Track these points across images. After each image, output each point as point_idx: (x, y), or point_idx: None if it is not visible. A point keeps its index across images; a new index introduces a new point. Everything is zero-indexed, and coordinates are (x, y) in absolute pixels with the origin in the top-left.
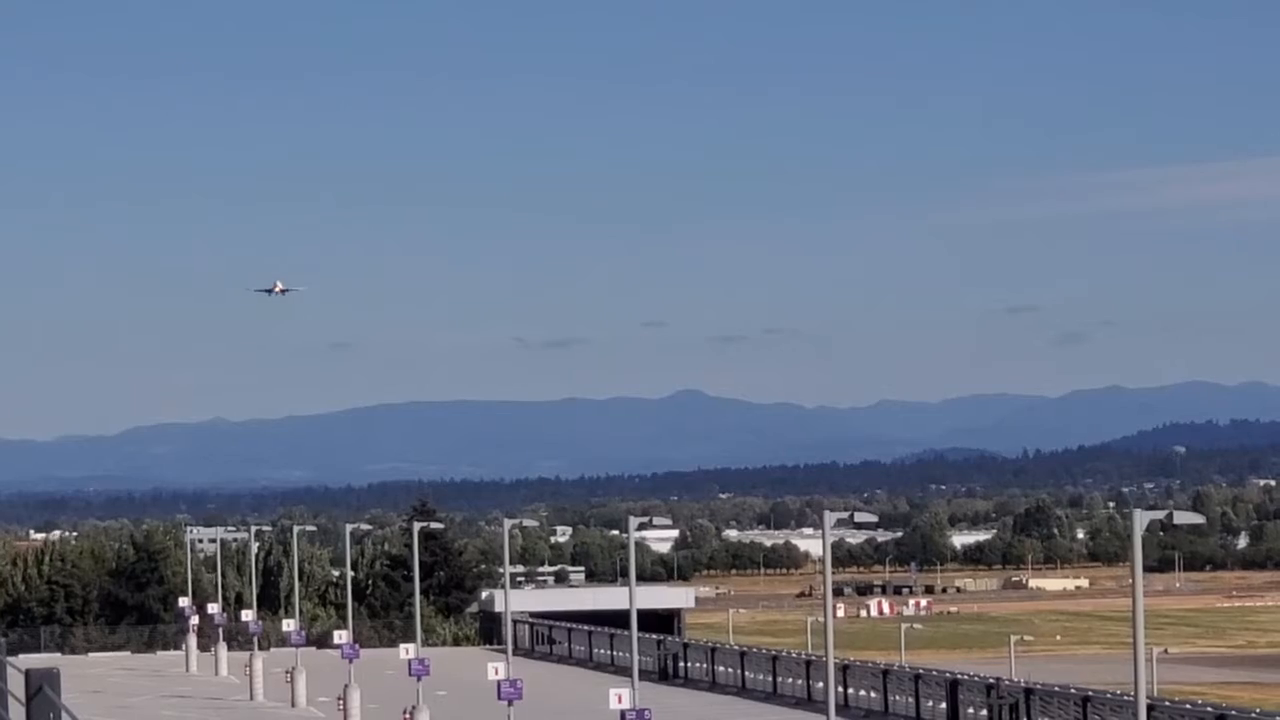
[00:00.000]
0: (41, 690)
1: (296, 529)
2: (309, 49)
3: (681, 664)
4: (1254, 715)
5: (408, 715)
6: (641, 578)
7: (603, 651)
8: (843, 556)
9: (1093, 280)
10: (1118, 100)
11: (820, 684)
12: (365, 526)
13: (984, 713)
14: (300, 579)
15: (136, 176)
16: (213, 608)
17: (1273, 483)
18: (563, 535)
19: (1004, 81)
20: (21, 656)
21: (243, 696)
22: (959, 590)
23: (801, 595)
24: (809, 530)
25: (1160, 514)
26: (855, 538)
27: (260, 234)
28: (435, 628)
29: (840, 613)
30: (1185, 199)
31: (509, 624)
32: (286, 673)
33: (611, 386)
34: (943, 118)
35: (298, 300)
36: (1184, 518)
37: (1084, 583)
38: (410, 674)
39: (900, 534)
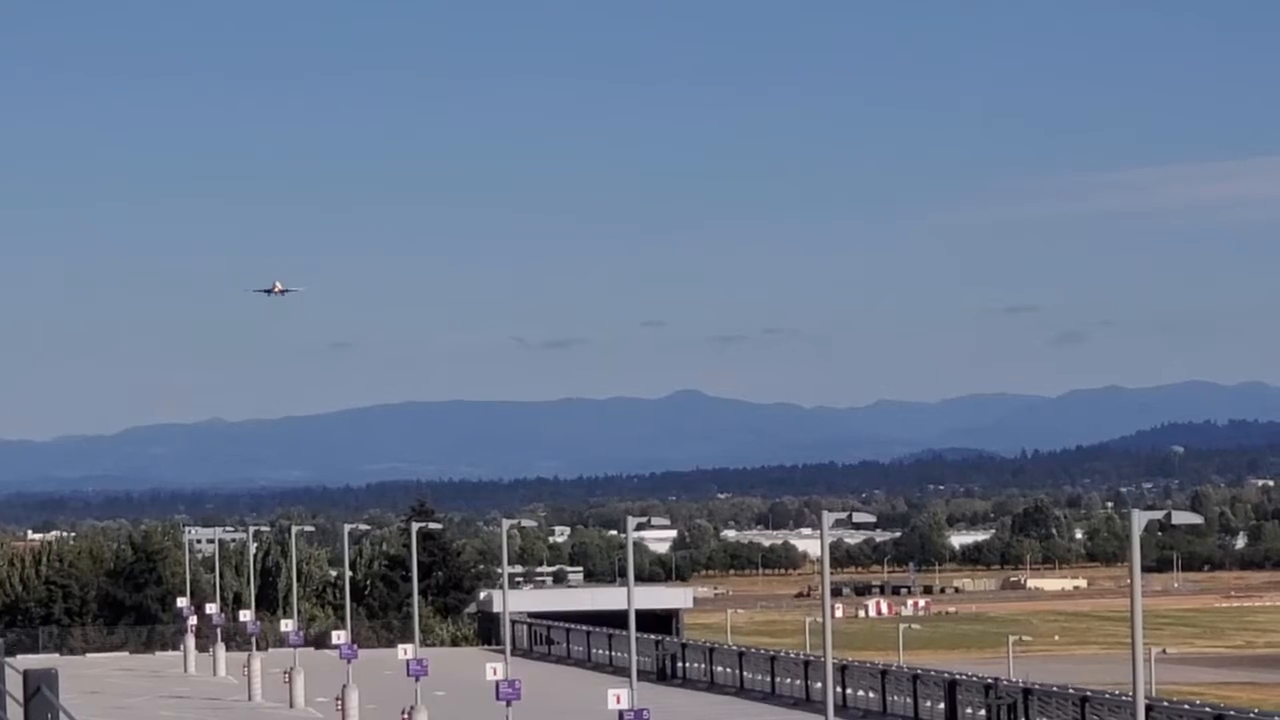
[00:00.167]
0: (40, 691)
1: (295, 529)
2: (309, 49)
3: (680, 664)
4: (1252, 715)
5: (406, 715)
6: (640, 578)
7: (601, 652)
8: (841, 557)
9: (1092, 280)
10: (1118, 100)
11: (819, 684)
12: (363, 527)
13: (982, 713)
14: (298, 579)
15: (136, 176)
16: (211, 608)
17: (1271, 483)
18: (561, 535)
19: (1004, 81)
20: (19, 657)
21: (241, 697)
22: (957, 590)
23: (800, 595)
24: (807, 530)
25: (1158, 514)
26: (853, 538)
27: (259, 234)
28: (433, 628)
29: (838, 613)
30: (1185, 199)
31: (507, 624)
32: (285, 673)
33: (610, 386)
34: (943, 118)
35: (297, 300)
36: (1182, 518)
37: (1082, 583)
38: (408, 674)
39: (899, 534)
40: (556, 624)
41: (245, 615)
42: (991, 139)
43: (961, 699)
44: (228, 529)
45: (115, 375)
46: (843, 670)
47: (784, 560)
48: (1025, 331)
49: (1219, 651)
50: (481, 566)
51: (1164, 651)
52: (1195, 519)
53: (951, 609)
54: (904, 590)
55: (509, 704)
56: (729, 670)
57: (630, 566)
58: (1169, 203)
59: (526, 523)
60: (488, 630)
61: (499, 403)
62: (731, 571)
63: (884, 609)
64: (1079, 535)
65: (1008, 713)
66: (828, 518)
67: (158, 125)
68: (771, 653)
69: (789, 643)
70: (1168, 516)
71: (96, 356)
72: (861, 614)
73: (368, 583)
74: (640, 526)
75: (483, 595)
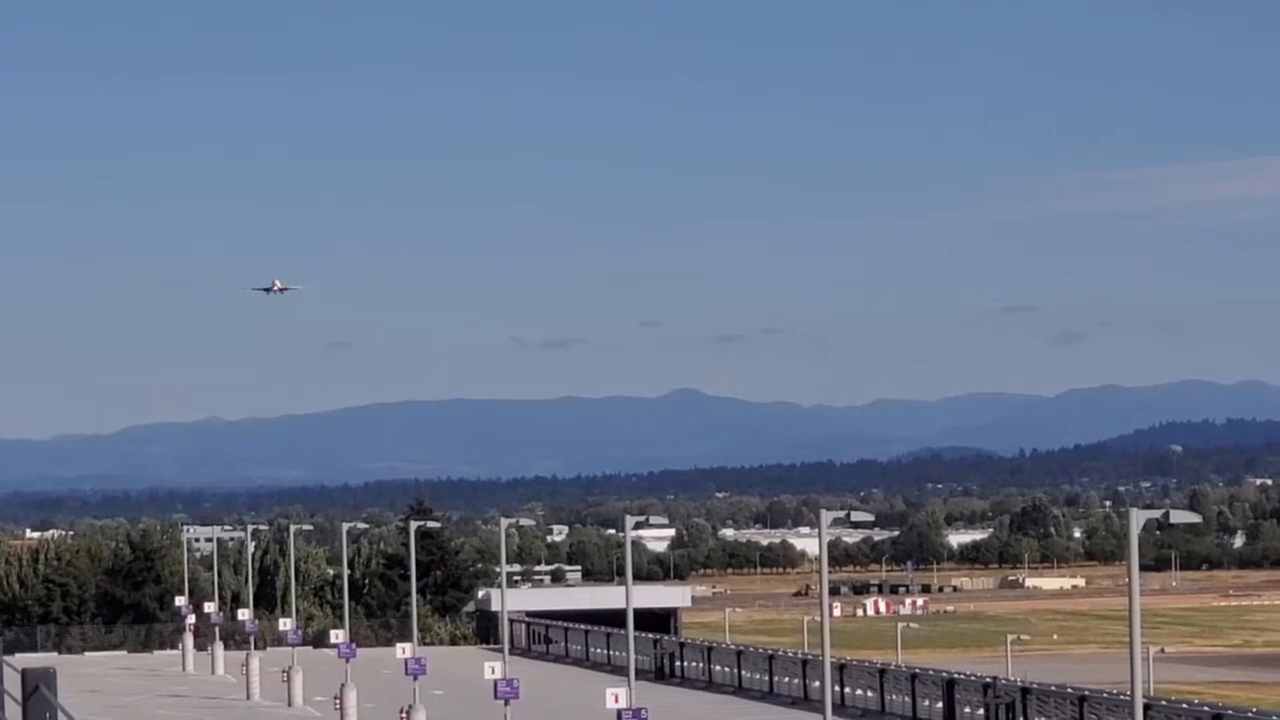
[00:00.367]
0: (38, 690)
1: (293, 528)
2: (308, 49)
3: (678, 663)
4: (1250, 715)
5: (404, 714)
6: (638, 577)
7: (599, 651)
8: (839, 555)
9: (1091, 280)
10: (1117, 100)
11: (817, 683)
12: (362, 525)
13: (981, 712)
14: (297, 578)
15: (135, 176)
16: (209, 607)
17: (1269, 482)
18: (559, 534)
19: (1004, 81)
20: (18, 656)
21: (239, 696)
22: (955, 589)
23: (798, 594)
24: (805, 529)
25: (1157, 513)
26: (852, 537)
27: (259, 233)
28: (432, 627)
29: (837, 612)
30: (1184, 199)
31: (505, 623)
32: (283, 672)
33: (608, 386)
34: (943, 118)
35: (296, 299)
36: (1180, 517)
37: (1080, 582)
38: (407, 673)
39: (897, 533)
40: (555, 623)
41: (243, 614)
42: (991, 139)
43: (960, 698)
44: (226, 528)
45: (113, 374)
46: (841, 669)
47: (782, 559)
48: (1023, 331)
49: (1217, 650)
50: (480, 565)
51: (1162, 651)
52: (1193, 518)
53: (950, 608)
54: (902, 589)
55: (507, 703)
56: (727, 669)
57: (628, 565)
58: (1168, 203)
59: (525, 522)
60: (486, 629)
61: (497, 402)
62: (730, 570)
63: (882, 608)
64: (1077, 534)
65: (1006, 712)
66: (826, 516)
67: (158, 125)
68: (770, 652)
69: (787, 642)
70: (1166, 515)
71: (94, 355)
72: (860, 613)
73: (366, 582)
74: (638, 525)
75: (481, 594)
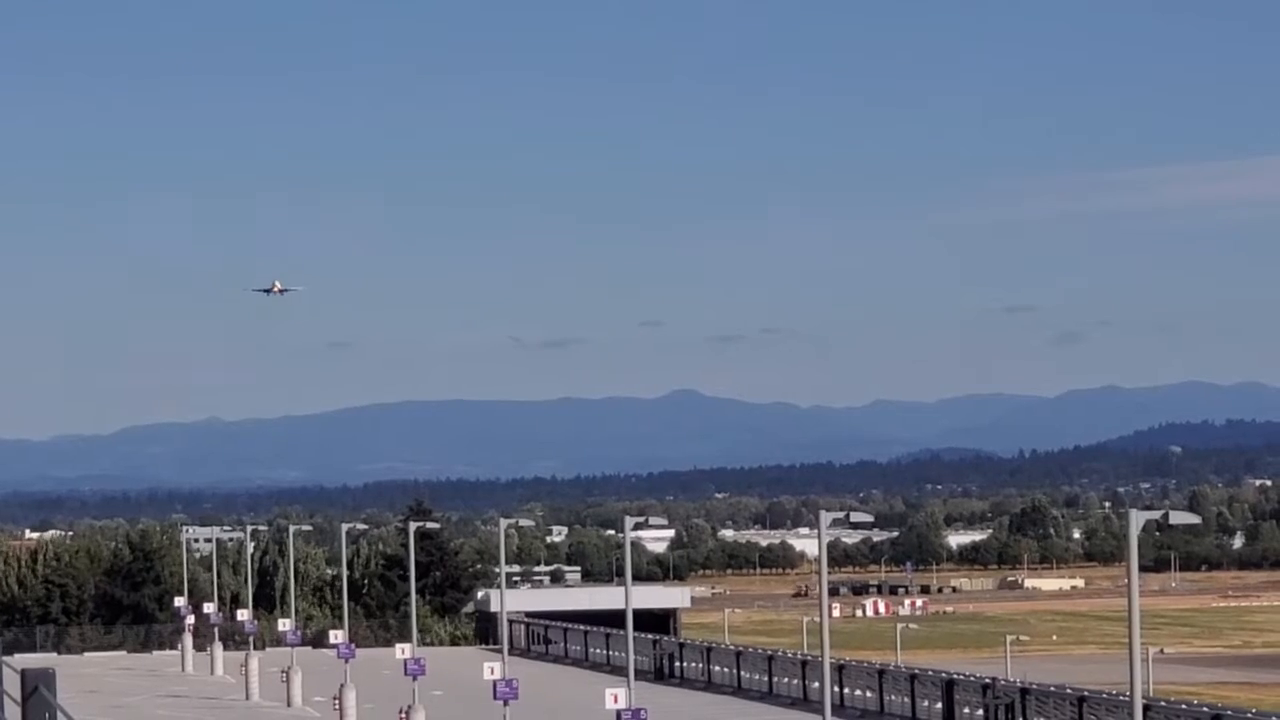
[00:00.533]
0: (37, 690)
1: (292, 529)
2: (307, 49)
3: (677, 664)
4: (1250, 715)
5: (404, 715)
6: (637, 577)
7: (598, 651)
8: (838, 556)
9: (1090, 280)
10: (1117, 100)
11: (816, 684)
12: (361, 526)
13: (980, 713)
14: (296, 579)
15: (135, 176)
16: (208, 607)
17: (1269, 483)
18: (558, 535)
19: (1004, 81)
20: (17, 656)
21: (239, 696)
22: (955, 590)
23: (797, 595)
24: (805, 530)
25: (1156, 514)
26: (851, 537)
27: (258, 233)
28: (431, 627)
29: (836, 612)
30: (1185, 199)
31: (505, 624)
32: (282, 672)
33: (607, 386)
34: (943, 118)
35: (295, 300)
36: (1180, 518)
37: (1080, 583)
38: (406, 674)
39: (896, 534)
40: (554, 623)
41: (243, 614)
42: (991, 139)
43: (959, 699)
44: (225, 528)
45: (112, 375)
46: (840, 670)
47: (781, 560)
48: (1023, 331)
49: (1216, 651)
50: (479, 566)
51: (1161, 651)
52: (1193, 519)
53: (949, 609)
54: (901, 590)
55: (506, 703)
56: (726, 670)
57: (628, 566)
58: (1168, 203)
59: (524, 522)
60: (485, 630)
61: (496, 402)
62: (729, 571)
63: (881, 608)
64: (1076, 535)
65: (1005, 712)
66: (825, 517)
67: (158, 125)
68: (769, 652)
69: (786, 642)
70: (1165, 516)
71: (94, 356)
72: (859, 613)
73: (365, 582)
74: (638, 526)
75: (480, 595)
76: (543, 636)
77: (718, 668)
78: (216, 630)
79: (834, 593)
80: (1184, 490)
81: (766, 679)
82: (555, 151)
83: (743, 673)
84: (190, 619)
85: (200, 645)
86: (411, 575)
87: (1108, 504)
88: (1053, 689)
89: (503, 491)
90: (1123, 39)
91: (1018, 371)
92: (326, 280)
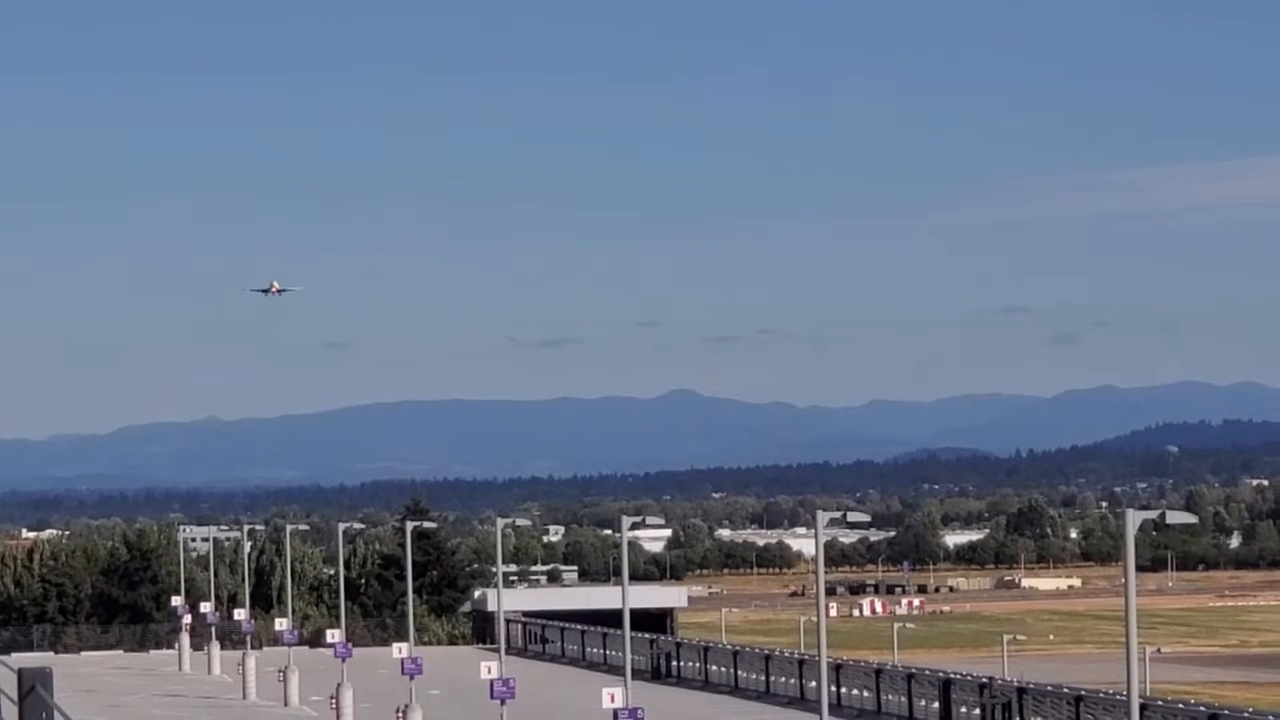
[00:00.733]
0: (34, 690)
1: (289, 528)
2: (308, 49)
3: (674, 663)
4: (1247, 715)
5: (401, 714)
6: (634, 577)
7: (595, 651)
8: (835, 556)
9: (1088, 280)
10: (1118, 100)
11: (813, 683)
12: (358, 526)
13: (977, 712)
14: (293, 578)
15: (134, 176)
16: (205, 607)
17: (1265, 483)
18: (555, 534)
19: (1004, 81)
20: (14, 655)
21: (236, 695)
22: (952, 590)
23: (794, 595)
24: (802, 530)
25: (1153, 514)
26: (848, 537)
27: (256, 233)
28: (428, 627)
29: (833, 612)
30: (1184, 199)
31: (502, 623)
32: (279, 672)
33: (604, 386)
34: (943, 118)
35: (293, 300)
36: (1177, 518)
37: (1077, 582)
38: (403, 673)
39: (893, 533)
40: (551, 623)
41: (240, 614)
42: (991, 139)
43: (956, 698)
44: (222, 528)
45: (110, 374)
46: (837, 669)
47: (778, 559)
48: (1020, 331)
49: (1213, 651)
50: (476, 565)
51: (1158, 651)
52: (1190, 519)
53: (946, 608)
54: (898, 589)
55: (503, 703)
56: (723, 669)
57: (625, 566)
58: (1167, 203)
59: (521, 522)
60: (482, 629)
61: (493, 402)
62: (726, 571)
63: (878, 608)
64: (1073, 535)
65: (1002, 712)
66: (822, 517)
67: (158, 125)
68: (766, 652)
69: (783, 642)
70: (1162, 516)
71: (91, 355)
72: (856, 613)
73: (362, 581)
74: (635, 526)
75: (477, 594)
76: (540, 636)
77: (715, 667)
78: (213, 630)
79: (831, 592)
80: (1181, 490)
81: (763, 678)
82: (553, 151)
83: (740, 672)
84: (187, 618)
85: (197, 645)
86: (408, 575)
87: (1105, 504)
88: (1050, 688)
89: (500, 491)
90: (1123, 39)
91: (1015, 371)
92: (325, 280)
